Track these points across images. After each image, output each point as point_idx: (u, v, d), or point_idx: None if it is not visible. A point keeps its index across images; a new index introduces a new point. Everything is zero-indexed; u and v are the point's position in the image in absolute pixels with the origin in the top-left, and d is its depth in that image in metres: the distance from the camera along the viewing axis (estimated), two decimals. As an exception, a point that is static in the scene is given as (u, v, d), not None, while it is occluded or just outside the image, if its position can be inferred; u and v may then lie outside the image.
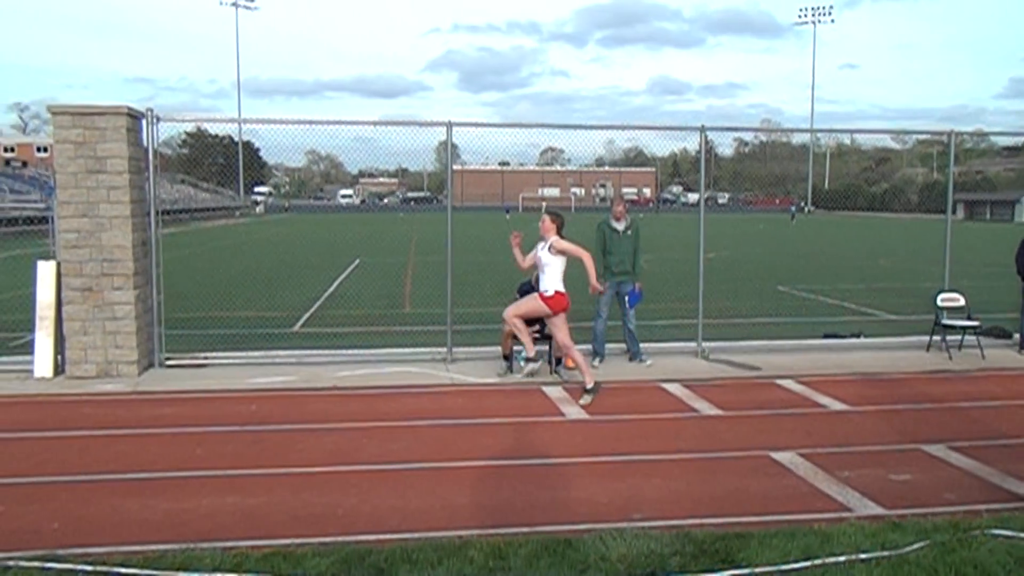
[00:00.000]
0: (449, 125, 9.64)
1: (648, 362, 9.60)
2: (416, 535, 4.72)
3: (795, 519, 4.99)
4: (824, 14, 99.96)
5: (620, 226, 9.63)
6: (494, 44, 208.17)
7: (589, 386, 8.03)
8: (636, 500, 5.32)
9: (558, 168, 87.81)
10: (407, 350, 10.10)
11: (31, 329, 9.09)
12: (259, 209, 78.57)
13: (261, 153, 76.58)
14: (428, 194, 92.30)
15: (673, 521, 4.92)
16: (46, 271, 8.85)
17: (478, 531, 4.78)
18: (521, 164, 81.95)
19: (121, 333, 8.80)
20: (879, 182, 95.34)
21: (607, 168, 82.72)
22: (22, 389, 8.31)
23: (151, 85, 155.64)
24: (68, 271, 8.76)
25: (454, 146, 9.97)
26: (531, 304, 8.38)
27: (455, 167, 10.39)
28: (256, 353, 9.84)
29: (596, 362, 9.55)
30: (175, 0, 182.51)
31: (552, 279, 8.31)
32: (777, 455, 6.25)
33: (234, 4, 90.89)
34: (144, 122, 9.21)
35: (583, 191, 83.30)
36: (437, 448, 6.47)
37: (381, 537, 4.70)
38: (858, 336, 11.23)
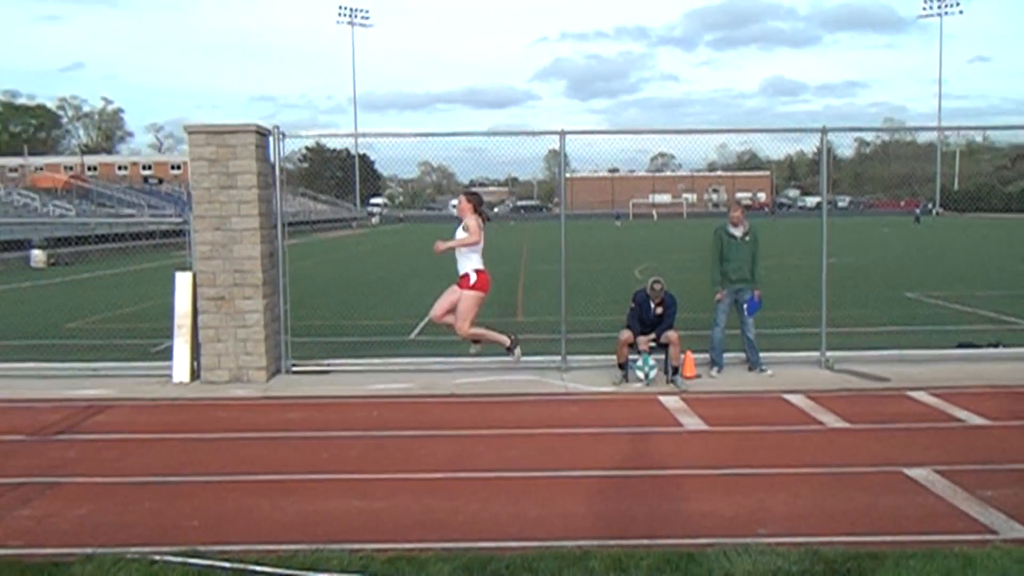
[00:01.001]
0: (562, 134, 9.66)
1: (769, 372, 9.33)
2: (536, 543, 4.73)
3: (933, 540, 4.73)
4: (951, 5, 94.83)
5: (738, 232, 9.40)
6: (602, 51, 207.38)
7: (507, 343, 8.53)
8: (761, 515, 5.17)
9: (669, 174, 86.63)
10: (522, 358, 10.13)
11: (169, 336, 9.64)
12: (375, 220, 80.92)
13: (376, 165, 78.84)
14: (538, 202, 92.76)
15: (801, 538, 4.75)
16: (183, 282, 9.38)
17: (598, 542, 4.75)
18: (631, 171, 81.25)
19: (251, 340, 9.23)
20: (1015, 181, 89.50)
21: (720, 173, 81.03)
22: (162, 393, 8.82)
23: (273, 103, 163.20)
24: (203, 281, 9.25)
25: (564, 154, 9.98)
26: (468, 303, 8.13)
27: (565, 175, 10.39)
28: (376, 360, 10.11)
29: (714, 372, 9.35)
30: (296, 21, 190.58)
31: (471, 261, 8.12)
32: (911, 471, 5.94)
33: (350, 22, 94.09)
34: (271, 138, 9.64)
35: (695, 196, 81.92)
36: (554, 457, 6.47)
37: (501, 544, 4.73)
38: (996, 346, 10.56)
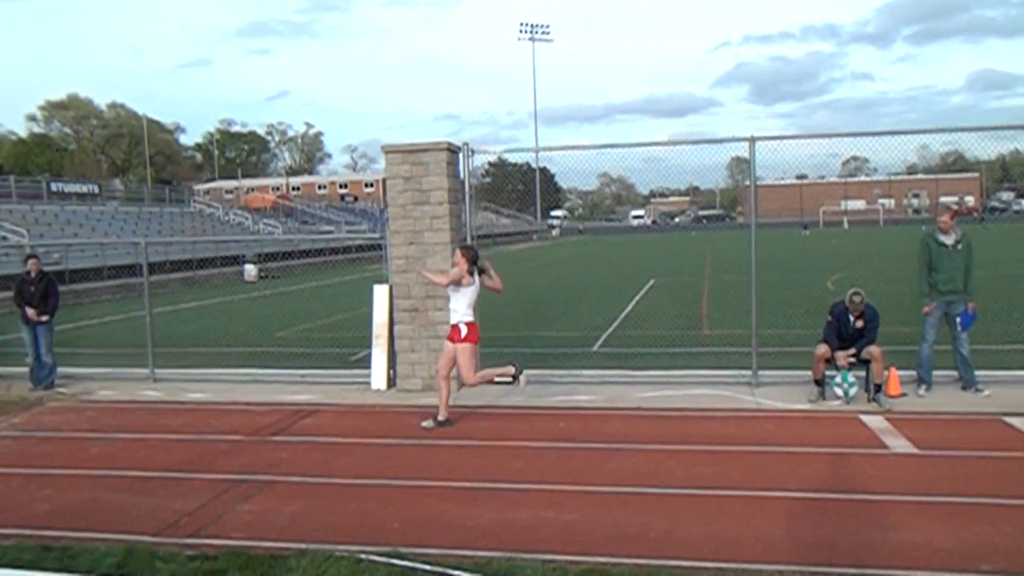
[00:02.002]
0: (752, 140, 9.33)
1: (985, 392, 8.54)
2: (733, 565, 4.58)
3: None
4: None
5: (948, 240, 8.70)
6: (788, 52, 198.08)
7: (440, 418, 8.02)
8: (983, 549, 4.73)
9: (863, 179, 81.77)
10: (709, 372, 9.90)
11: (366, 345, 10.18)
12: (555, 232, 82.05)
13: (556, 178, 79.86)
14: (721, 211, 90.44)
15: (1033, 577, 4.31)
16: (381, 294, 9.90)
17: (799, 567, 4.53)
18: (821, 176, 77.46)
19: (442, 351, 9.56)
20: None
21: (921, 176, 75.41)
22: (362, 399, 9.34)
23: (456, 121, 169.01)
24: (398, 294, 9.71)
25: (748, 161, 9.65)
26: (465, 355, 8.05)
27: (756, 183, 10.03)
28: (560, 372, 10.20)
29: (922, 390, 8.68)
30: (479, 41, 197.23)
31: (461, 313, 8.07)
32: None
33: (531, 38, 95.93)
34: (460, 155, 9.98)
35: (892, 202, 76.81)
36: (747, 475, 6.24)
37: (696, 564, 4.62)
38: None
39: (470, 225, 10.10)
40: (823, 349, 8.48)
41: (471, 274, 8.14)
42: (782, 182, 73.01)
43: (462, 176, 10.10)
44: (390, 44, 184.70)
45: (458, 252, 8.31)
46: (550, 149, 11.17)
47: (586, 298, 20.49)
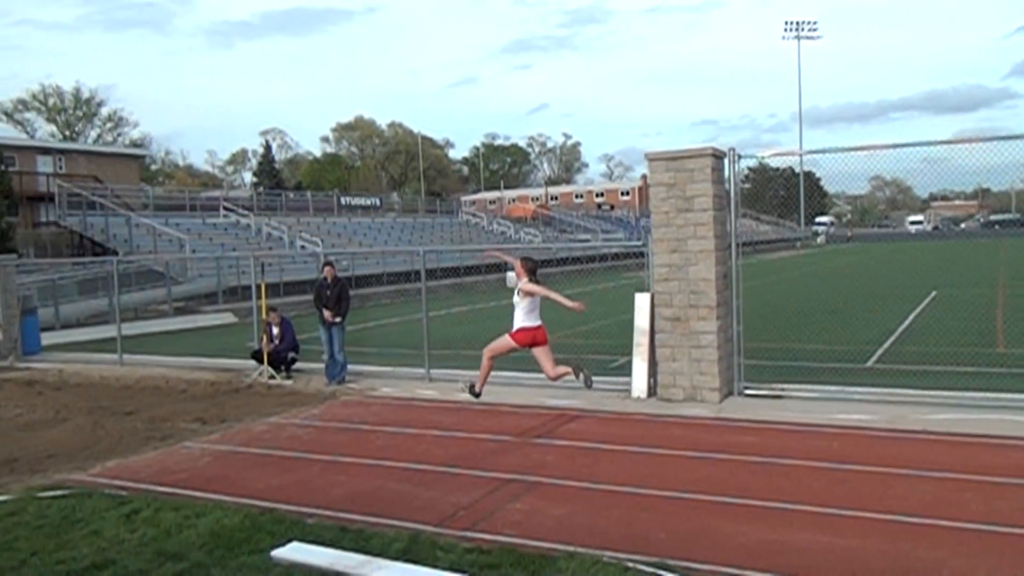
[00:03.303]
0: (1067, 134, 8.21)
1: None
2: (1048, 617, 4.03)
3: None
4: None
5: None
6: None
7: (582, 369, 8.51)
8: None
9: None
10: (1007, 395, 8.83)
11: (623, 353, 10.22)
12: (820, 239, 77.52)
13: (822, 182, 75.46)
14: (1018, 216, 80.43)
15: None
16: (643, 302, 9.90)
17: None
18: None
19: (704, 361, 9.38)
20: None
21: None
22: (623, 407, 9.38)
23: (713, 126, 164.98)
24: (660, 302, 9.66)
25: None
26: (501, 340, 8.78)
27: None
28: (832, 387, 9.59)
29: None
30: (738, 43, 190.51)
31: (517, 318, 8.65)
32: None
33: (797, 37, 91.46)
34: (725, 161, 9.73)
35: None
36: (1063, 515, 5.48)
37: (1002, 610, 4.13)
38: None
39: (735, 232, 9.81)
40: None
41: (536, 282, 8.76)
42: (1097, 180, 63.64)
43: (726, 182, 9.85)
44: (647, 52, 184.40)
45: (519, 263, 8.90)
46: (822, 152, 10.54)
47: (857, 310, 19.11)
